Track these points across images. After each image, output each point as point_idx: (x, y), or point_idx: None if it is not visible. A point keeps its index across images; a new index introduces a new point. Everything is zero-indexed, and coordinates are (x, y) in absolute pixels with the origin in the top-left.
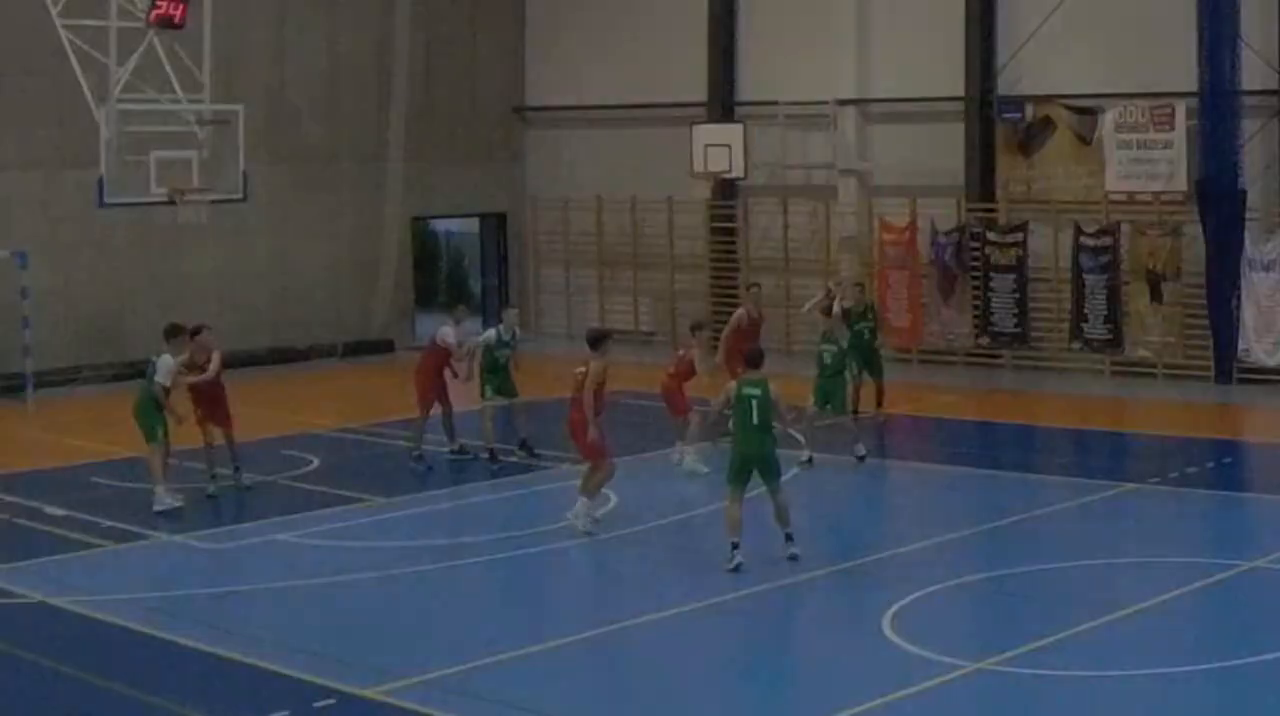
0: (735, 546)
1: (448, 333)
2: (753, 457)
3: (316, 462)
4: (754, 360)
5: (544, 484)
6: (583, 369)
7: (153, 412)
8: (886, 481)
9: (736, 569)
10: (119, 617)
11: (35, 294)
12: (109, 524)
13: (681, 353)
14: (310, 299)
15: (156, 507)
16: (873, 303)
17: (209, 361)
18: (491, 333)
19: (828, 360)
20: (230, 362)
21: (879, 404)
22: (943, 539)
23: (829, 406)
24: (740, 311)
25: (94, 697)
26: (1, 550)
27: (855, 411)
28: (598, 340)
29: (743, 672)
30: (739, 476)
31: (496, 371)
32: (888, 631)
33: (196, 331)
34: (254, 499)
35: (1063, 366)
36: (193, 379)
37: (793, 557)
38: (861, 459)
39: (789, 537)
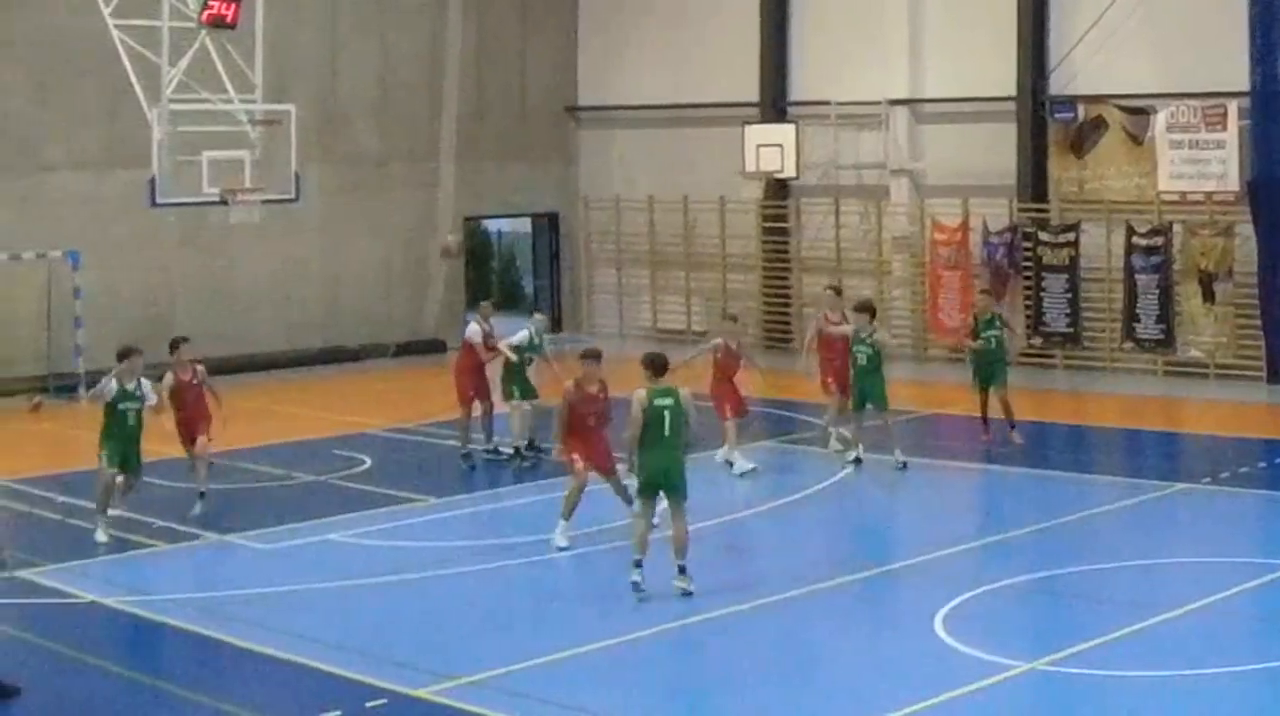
0: (638, 564)
1: (474, 331)
2: (660, 473)
3: (369, 462)
4: (658, 367)
5: (594, 485)
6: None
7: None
8: (937, 481)
9: (636, 587)
10: (170, 618)
11: (87, 294)
12: (161, 524)
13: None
14: (362, 299)
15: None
16: (1000, 312)
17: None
18: (524, 334)
19: (863, 360)
20: (282, 363)
21: (1008, 417)
22: (994, 539)
23: (868, 405)
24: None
25: (145, 698)
26: (54, 550)
27: (984, 421)
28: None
29: (793, 672)
30: (649, 492)
31: (524, 372)
32: (939, 631)
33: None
34: (306, 498)
35: (1115, 366)
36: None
37: (685, 594)
38: (903, 467)
39: (682, 570)
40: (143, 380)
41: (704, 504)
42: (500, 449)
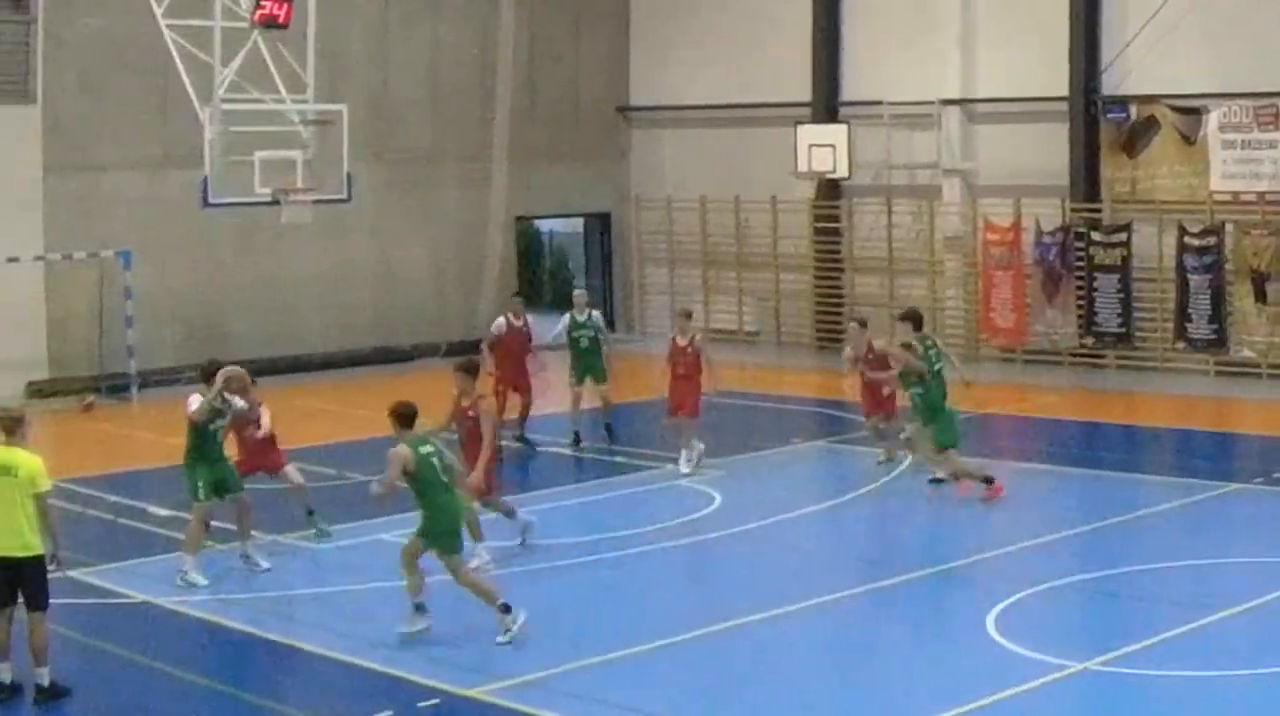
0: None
1: (500, 323)
2: (458, 519)
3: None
4: (406, 418)
5: (648, 485)
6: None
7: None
8: None
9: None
10: (222, 617)
11: (139, 294)
12: (213, 524)
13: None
14: (414, 299)
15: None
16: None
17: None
18: (566, 318)
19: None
20: (334, 363)
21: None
22: (1046, 539)
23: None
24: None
25: (197, 697)
26: (106, 550)
27: None
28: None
29: (846, 673)
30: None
31: (580, 355)
32: (992, 631)
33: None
34: (358, 498)
35: (1167, 366)
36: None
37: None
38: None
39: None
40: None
41: (755, 503)
42: (534, 442)
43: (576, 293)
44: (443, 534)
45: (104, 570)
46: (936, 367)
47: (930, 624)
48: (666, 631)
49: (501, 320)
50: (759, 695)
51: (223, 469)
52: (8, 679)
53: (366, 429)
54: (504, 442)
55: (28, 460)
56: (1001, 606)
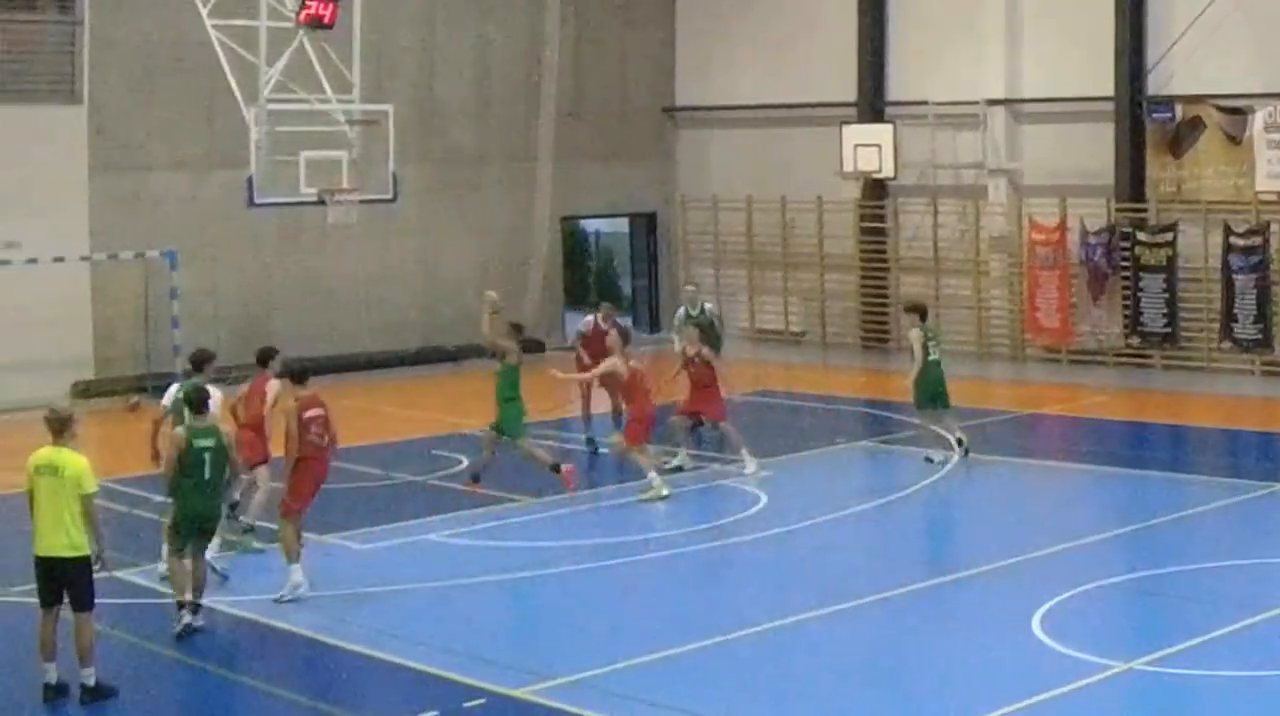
0: (180, 606)
1: (589, 321)
2: (200, 517)
3: (466, 462)
4: (197, 404)
5: (695, 484)
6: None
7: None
8: (1036, 481)
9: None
10: (268, 617)
11: (184, 294)
12: (259, 524)
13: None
14: (459, 299)
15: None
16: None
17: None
18: (680, 312)
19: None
20: (379, 363)
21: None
22: (1092, 539)
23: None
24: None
25: (243, 697)
26: (152, 550)
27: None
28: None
29: (892, 672)
30: (182, 536)
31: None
32: (1037, 631)
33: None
34: (404, 499)
35: (1213, 366)
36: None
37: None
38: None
39: (196, 608)
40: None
41: (801, 503)
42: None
43: (687, 288)
44: (183, 524)
45: (150, 570)
46: (934, 358)
47: (976, 623)
48: (713, 631)
49: (590, 318)
50: (805, 694)
51: None
52: (54, 679)
53: (412, 429)
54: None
55: (74, 460)
56: (1047, 606)
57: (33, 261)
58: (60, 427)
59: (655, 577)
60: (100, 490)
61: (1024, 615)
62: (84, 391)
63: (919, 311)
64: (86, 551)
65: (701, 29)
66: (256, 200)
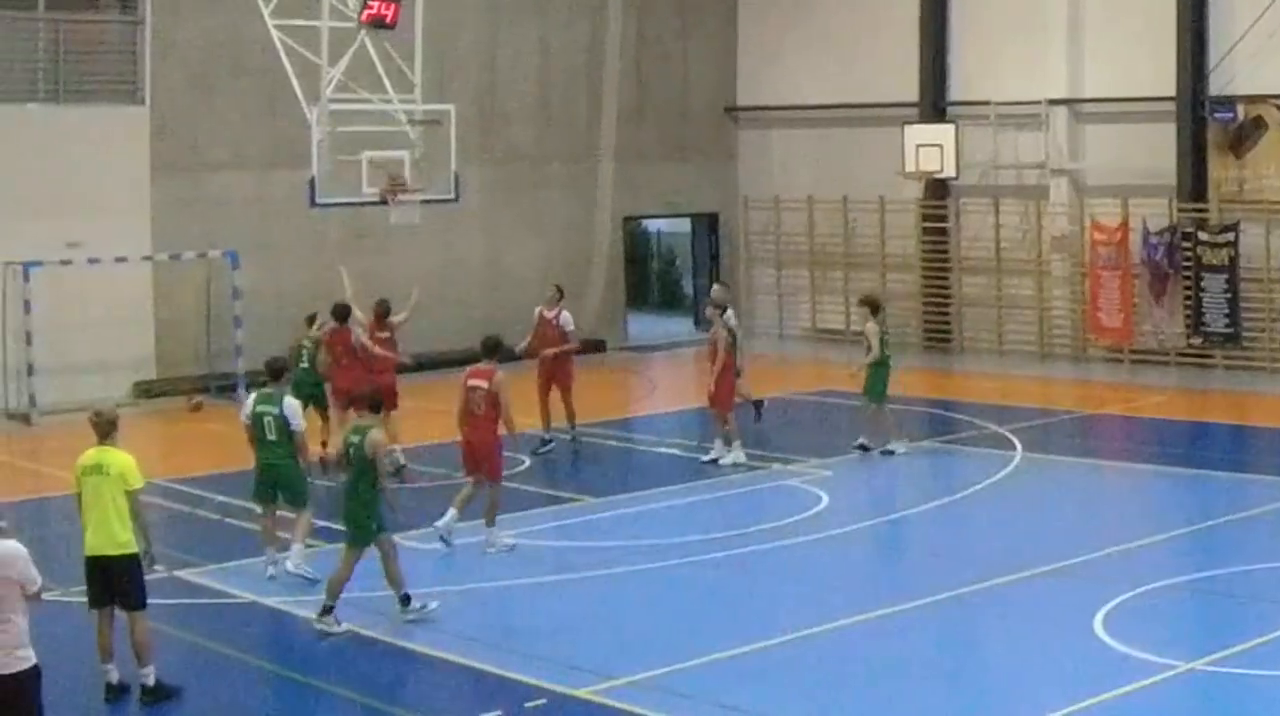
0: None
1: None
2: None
3: (528, 462)
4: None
5: (755, 485)
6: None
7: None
8: (1097, 481)
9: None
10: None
11: (246, 294)
12: (320, 524)
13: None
14: (522, 299)
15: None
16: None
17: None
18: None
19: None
20: (442, 362)
21: None
22: (1154, 539)
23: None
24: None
25: (303, 697)
26: (214, 550)
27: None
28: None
29: (954, 672)
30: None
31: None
32: (1099, 631)
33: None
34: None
35: (1274, 366)
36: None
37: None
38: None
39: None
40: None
41: (863, 504)
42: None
43: (716, 287)
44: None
45: (211, 570)
46: (888, 353)
47: (1037, 624)
48: (774, 631)
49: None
50: (866, 695)
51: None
52: (115, 679)
53: None
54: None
55: (120, 457)
56: (1109, 606)
57: (95, 261)
58: (107, 429)
59: (716, 577)
60: (155, 488)
61: (1086, 615)
62: (146, 391)
63: (873, 306)
64: (134, 550)
65: (763, 29)
66: (319, 200)
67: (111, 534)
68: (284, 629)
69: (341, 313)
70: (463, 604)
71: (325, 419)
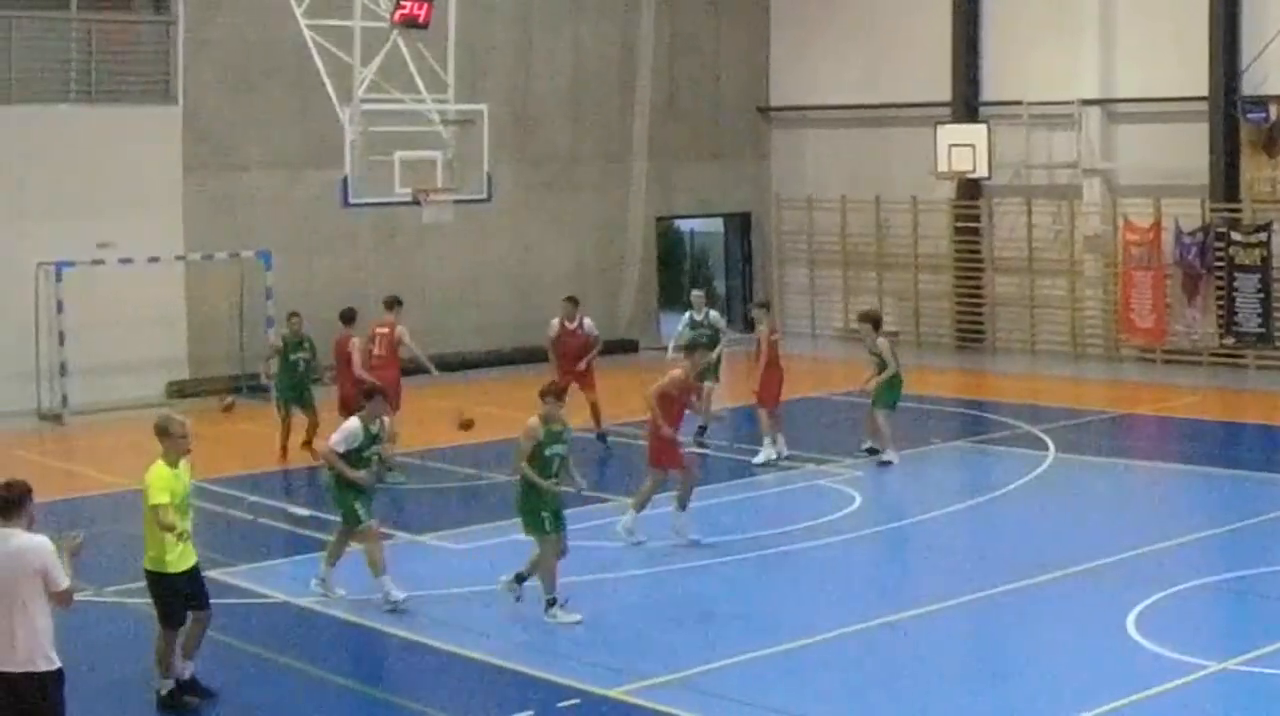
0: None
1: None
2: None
3: None
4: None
5: (788, 484)
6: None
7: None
8: (1130, 481)
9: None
10: (363, 617)
11: (279, 294)
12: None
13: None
14: (554, 299)
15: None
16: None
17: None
18: (685, 317)
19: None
20: (474, 363)
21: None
22: (1186, 539)
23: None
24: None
25: (336, 697)
26: (247, 550)
27: None
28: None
29: (986, 672)
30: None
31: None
32: (1132, 631)
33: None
34: (498, 498)
35: None
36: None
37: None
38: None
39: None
40: (385, 420)
41: (895, 503)
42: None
43: (694, 293)
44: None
45: (243, 570)
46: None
47: (1070, 623)
48: (807, 631)
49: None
50: (899, 695)
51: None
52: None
53: (506, 429)
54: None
55: (148, 472)
56: (1141, 606)
57: (127, 262)
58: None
59: (749, 577)
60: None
61: (1118, 615)
62: (179, 391)
63: (875, 322)
64: (164, 567)
65: (795, 28)
66: (351, 200)
67: (150, 549)
68: (315, 629)
69: (348, 316)
70: (493, 604)
71: (313, 420)
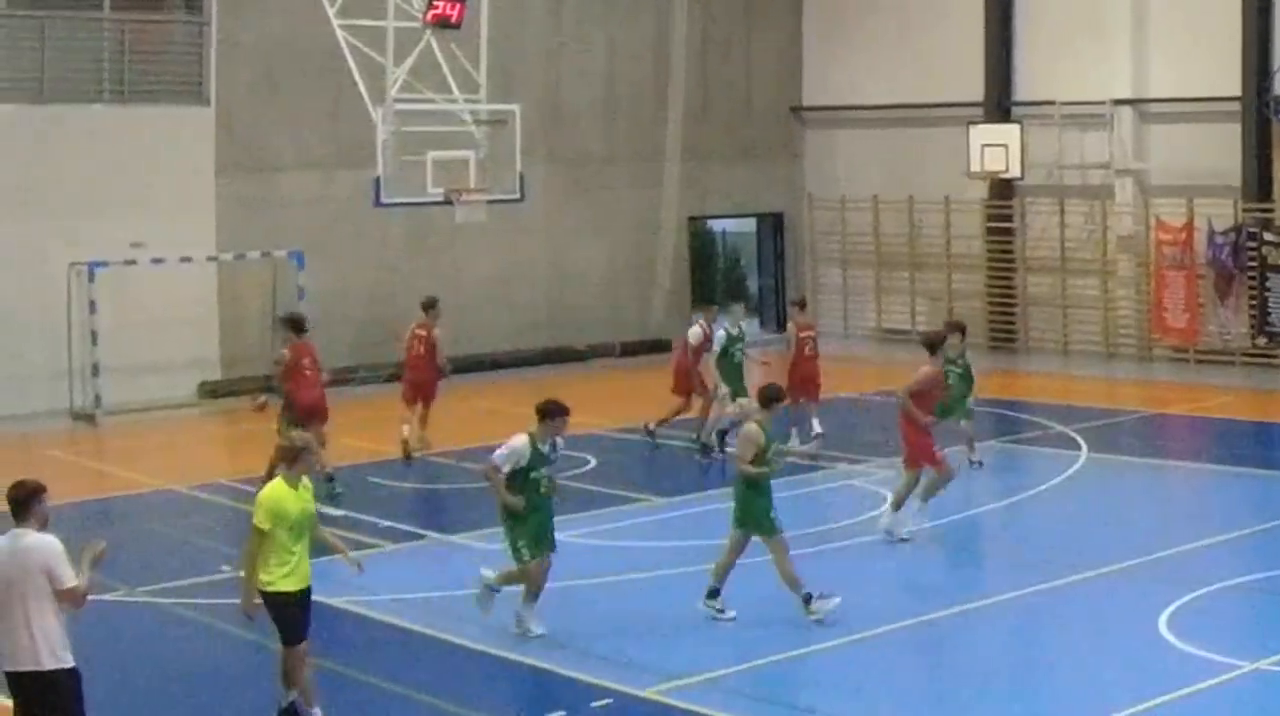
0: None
1: (695, 333)
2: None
3: (594, 462)
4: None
5: (820, 484)
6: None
7: None
8: (1162, 481)
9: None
10: (394, 617)
11: (311, 294)
12: (385, 524)
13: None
14: (587, 299)
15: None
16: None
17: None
18: (721, 333)
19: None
20: (507, 363)
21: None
22: (1219, 539)
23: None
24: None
25: (370, 697)
26: None
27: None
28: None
29: (1019, 671)
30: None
31: (735, 370)
32: (1164, 631)
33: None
34: None
35: None
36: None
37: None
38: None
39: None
40: (558, 441)
41: (928, 504)
42: (709, 446)
43: (734, 306)
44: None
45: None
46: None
47: (1102, 623)
48: (841, 631)
49: (697, 328)
50: (933, 694)
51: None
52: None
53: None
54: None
55: (262, 491)
56: (1174, 606)
57: (160, 262)
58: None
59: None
60: (220, 488)
61: (1151, 615)
62: (211, 391)
63: (962, 330)
64: (278, 586)
65: (828, 29)
66: (383, 200)
67: (261, 572)
68: (349, 629)
69: (296, 324)
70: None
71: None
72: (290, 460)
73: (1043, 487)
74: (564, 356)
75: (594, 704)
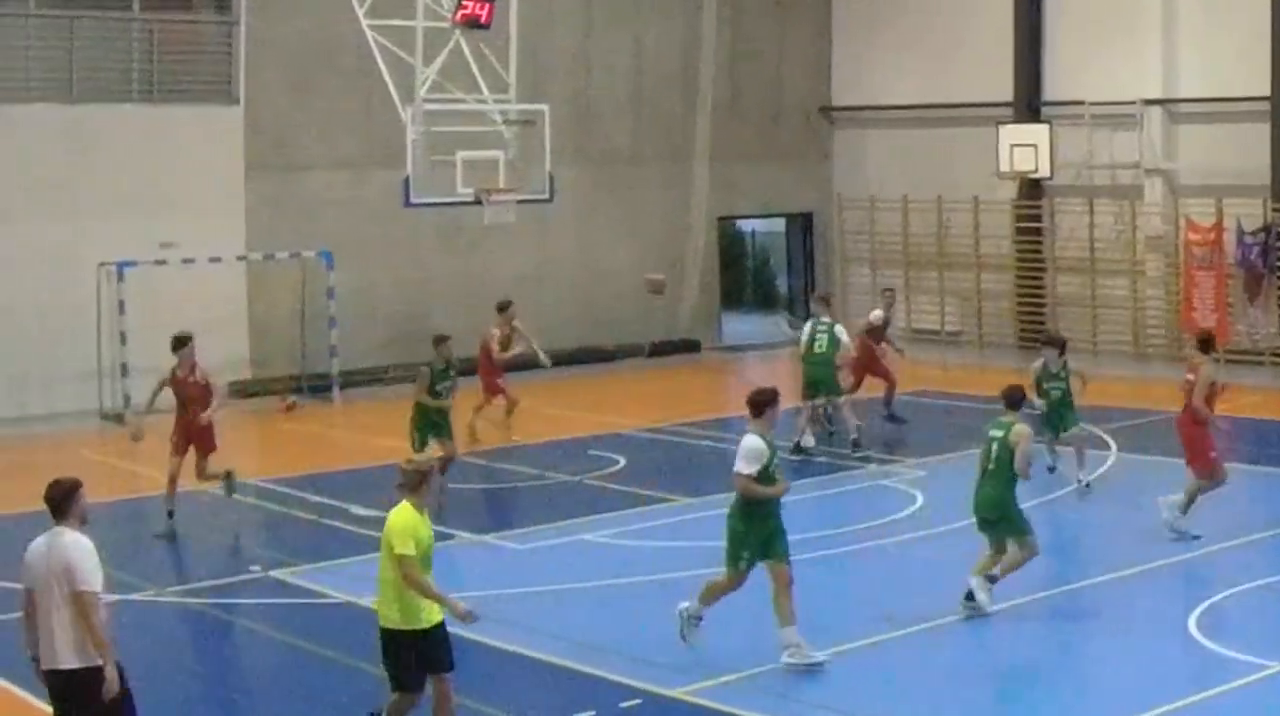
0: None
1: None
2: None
3: (623, 462)
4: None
5: (850, 484)
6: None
7: None
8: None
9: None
10: None
11: (341, 294)
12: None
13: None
14: (616, 299)
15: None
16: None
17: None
18: (808, 325)
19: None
20: (536, 363)
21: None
22: (1249, 539)
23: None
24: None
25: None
26: (308, 550)
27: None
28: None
29: (1049, 672)
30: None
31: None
32: (1194, 631)
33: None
34: (561, 498)
35: None
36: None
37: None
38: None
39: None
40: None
41: (958, 504)
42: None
43: (816, 297)
44: None
45: (306, 570)
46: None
47: (1132, 623)
48: (868, 632)
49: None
50: (961, 694)
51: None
52: None
53: (569, 428)
54: None
55: (393, 515)
56: (1204, 606)
57: (189, 262)
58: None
59: (810, 578)
60: (250, 488)
61: (1180, 615)
62: (240, 391)
63: (1061, 345)
64: (419, 622)
65: (857, 29)
66: (413, 200)
67: (389, 603)
68: (378, 629)
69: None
70: (555, 604)
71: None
72: (415, 486)
73: (1070, 488)
74: (593, 356)
75: (623, 704)
